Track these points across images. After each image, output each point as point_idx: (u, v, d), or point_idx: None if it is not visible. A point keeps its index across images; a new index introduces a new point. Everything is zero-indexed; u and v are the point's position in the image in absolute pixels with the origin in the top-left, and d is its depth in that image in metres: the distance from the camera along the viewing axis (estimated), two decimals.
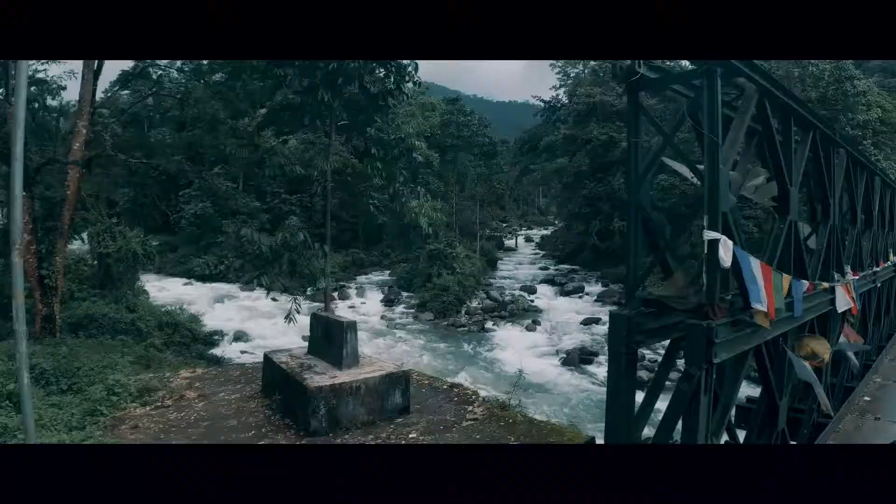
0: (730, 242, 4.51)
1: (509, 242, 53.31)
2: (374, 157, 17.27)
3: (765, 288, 5.08)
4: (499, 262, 45.24)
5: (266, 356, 10.15)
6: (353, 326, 8.87)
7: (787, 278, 5.97)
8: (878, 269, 11.96)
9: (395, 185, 17.74)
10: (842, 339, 7.66)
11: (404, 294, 37.62)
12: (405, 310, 35.61)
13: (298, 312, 17.31)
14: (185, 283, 35.82)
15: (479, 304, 35.72)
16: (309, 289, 15.91)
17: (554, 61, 45.62)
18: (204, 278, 35.83)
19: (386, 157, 17.27)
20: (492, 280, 40.46)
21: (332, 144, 17.85)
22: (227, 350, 25.63)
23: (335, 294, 39.11)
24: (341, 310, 36.38)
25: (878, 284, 12.37)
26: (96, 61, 19.09)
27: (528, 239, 56.58)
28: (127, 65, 21.59)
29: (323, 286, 17.83)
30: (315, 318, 9.82)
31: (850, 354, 7.84)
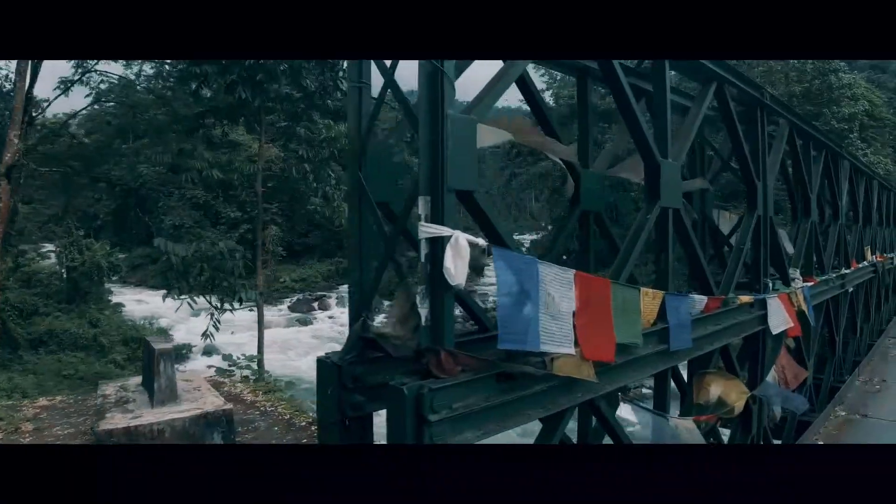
0: (465, 242, 2.38)
1: None
2: (302, 158, 15.42)
3: (578, 314, 2.94)
4: (486, 268, 43.05)
5: (99, 387, 8.18)
6: (166, 355, 6.82)
7: (651, 294, 3.81)
8: (848, 270, 9.60)
9: (323, 188, 15.91)
10: (771, 375, 5.34)
11: (386, 303, 35.49)
12: (385, 319, 33.57)
13: (217, 329, 15.34)
14: (167, 296, 34.29)
15: (459, 311, 33.59)
16: (228, 302, 14.02)
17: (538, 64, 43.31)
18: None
19: (315, 158, 15.37)
20: (475, 287, 38.07)
21: (262, 146, 16.05)
22: (193, 364, 23.97)
23: (315, 304, 37.30)
24: (321, 320, 34.55)
25: (850, 289, 10.00)
26: (28, 70, 17.53)
27: (520, 244, 54.28)
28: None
29: (251, 299, 15.90)
30: (144, 344, 7.81)
31: (775, 408, 5.46)
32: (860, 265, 11.04)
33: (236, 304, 14.53)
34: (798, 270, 6.82)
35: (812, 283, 7.30)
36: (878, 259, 12.80)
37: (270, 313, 34.55)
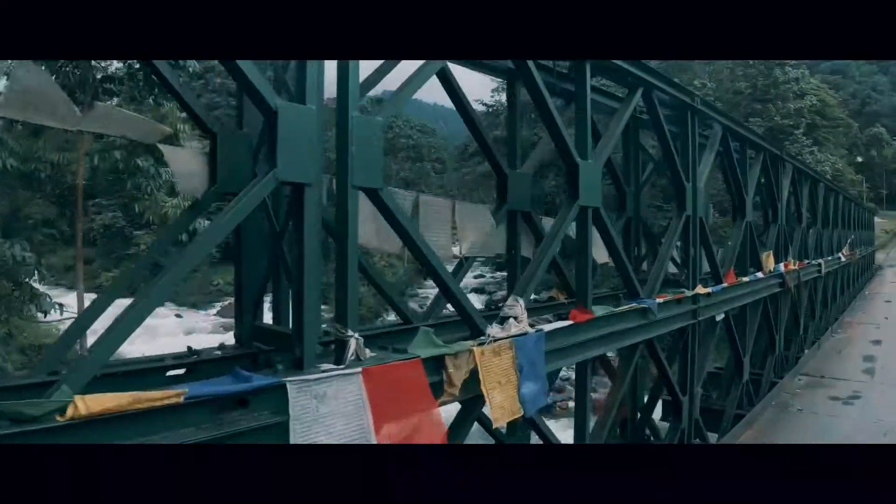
0: None
1: (454, 249, 47.27)
2: (113, 144, 12.20)
3: None
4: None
5: None
6: None
7: None
8: (712, 289, 6.09)
9: (135, 179, 12.67)
10: None
11: (322, 307, 32.13)
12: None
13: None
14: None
15: (396, 316, 30.13)
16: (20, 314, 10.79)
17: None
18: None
19: (128, 145, 12.08)
20: (419, 290, 34.75)
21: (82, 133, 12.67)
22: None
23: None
24: None
25: (721, 316, 6.50)
26: None
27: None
28: None
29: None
30: None
31: None
32: (749, 278, 7.54)
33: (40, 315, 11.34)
34: (520, 301, 3.32)
35: (575, 322, 3.81)
36: (788, 268, 9.24)
37: (197, 318, 30.90)
